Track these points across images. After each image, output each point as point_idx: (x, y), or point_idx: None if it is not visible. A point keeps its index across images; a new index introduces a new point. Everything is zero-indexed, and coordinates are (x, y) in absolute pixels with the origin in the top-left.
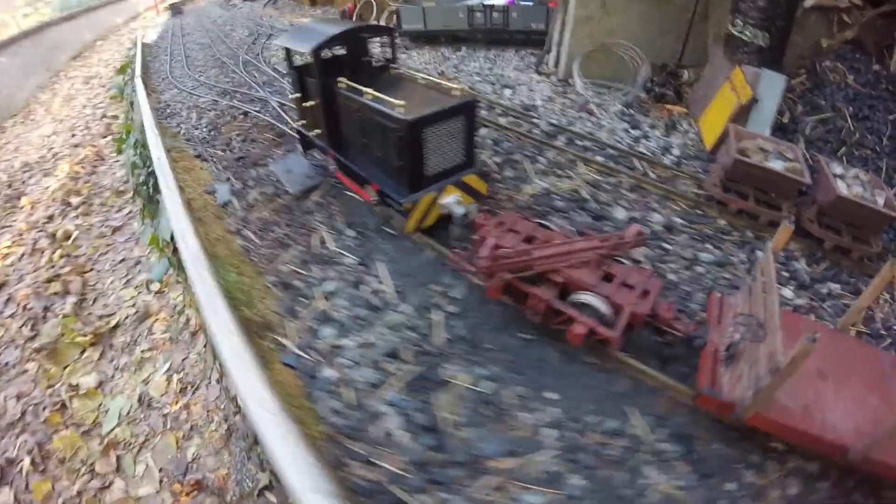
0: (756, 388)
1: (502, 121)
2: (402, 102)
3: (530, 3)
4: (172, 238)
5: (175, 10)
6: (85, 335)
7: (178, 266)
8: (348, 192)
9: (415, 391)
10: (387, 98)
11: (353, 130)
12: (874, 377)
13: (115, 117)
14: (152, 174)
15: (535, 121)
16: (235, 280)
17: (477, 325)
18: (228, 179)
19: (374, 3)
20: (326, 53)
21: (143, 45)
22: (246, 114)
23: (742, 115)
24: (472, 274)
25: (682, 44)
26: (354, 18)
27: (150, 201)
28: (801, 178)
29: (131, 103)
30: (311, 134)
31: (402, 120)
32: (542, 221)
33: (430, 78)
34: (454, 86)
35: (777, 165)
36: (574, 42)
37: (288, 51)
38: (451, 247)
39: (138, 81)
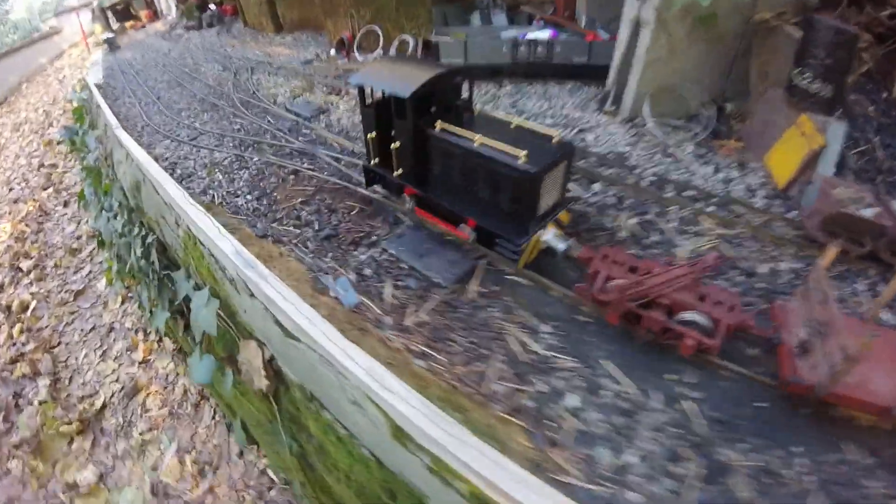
0: (831, 374)
1: (606, 172)
2: (524, 153)
3: (572, 37)
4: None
5: (111, 44)
6: (69, 422)
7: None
8: (447, 237)
9: (711, 484)
10: (502, 147)
11: (449, 172)
12: None
13: (55, 166)
14: (152, 245)
15: (636, 171)
16: (476, 421)
17: (720, 405)
18: (336, 271)
19: (378, 31)
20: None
21: (96, 86)
22: (296, 172)
23: (813, 159)
24: (601, 304)
25: (726, 78)
26: (355, 48)
27: (161, 283)
28: (885, 222)
29: (106, 159)
30: (394, 175)
31: (524, 170)
32: (634, 252)
33: (516, 120)
34: (548, 131)
35: (868, 213)
36: (643, 82)
37: (361, 90)
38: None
39: (120, 132)
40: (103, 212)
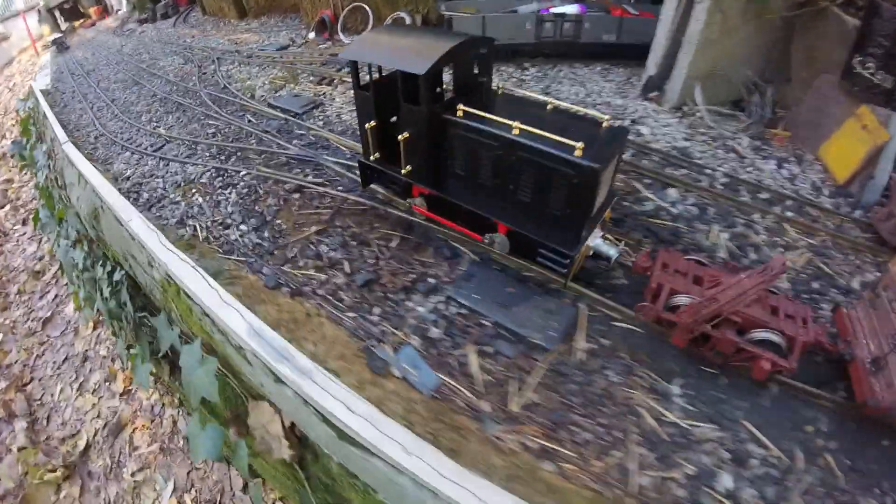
0: None
1: (677, 174)
2: (580, 144)
3: (600, 12)
4: None
5: (59, 45)
6: (53, 469)
7: None
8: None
9: None
10: (552, 136)
11: (475, 168)
12: None
13: (10, 181)
14: (122, 284)
15: (706, 171)
16: None
17: (857, 454)
18: (393, 335)
19: (367, 9)
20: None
21: (42, 92)
22: (300, 190)
23: (876, 154)
24: (667, 324)
25: (767, 61)
26: (339, 29)
27: (137, 327)
28: None
29: (56, 180)
30: (402, 172)
31: (584, 166)
32: (696, 258)
33: (551, 101)
34: (594, 114)
35: None
36: (693, 65)
37: (355, 67)
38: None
39: (69, 149)
40: (60, 239)
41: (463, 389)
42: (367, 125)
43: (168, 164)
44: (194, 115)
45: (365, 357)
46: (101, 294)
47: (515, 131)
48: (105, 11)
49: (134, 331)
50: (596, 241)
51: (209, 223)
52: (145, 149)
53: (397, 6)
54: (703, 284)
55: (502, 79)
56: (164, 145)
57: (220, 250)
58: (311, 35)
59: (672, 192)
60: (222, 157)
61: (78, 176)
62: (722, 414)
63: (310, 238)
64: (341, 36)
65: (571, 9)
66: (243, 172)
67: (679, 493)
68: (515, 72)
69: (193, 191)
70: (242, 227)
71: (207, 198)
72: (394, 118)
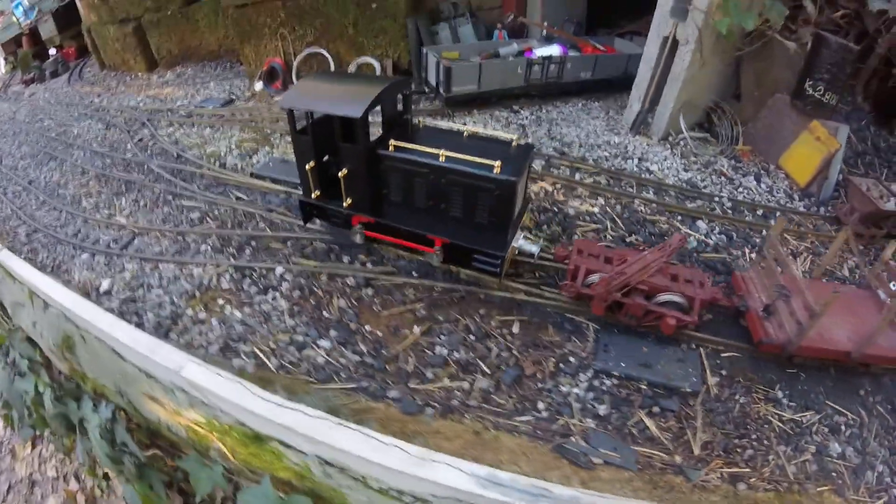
0: (798, 330)
1: (693, 206)
2: (497, 162)
3: (575, 53)
4: None
5: None
6: None
7: None
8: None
9: None
10: (473, 159)
11: (409, 193)
12: (847, 304)
13: None
14: (117, 423)
15: (715, 199)
16: None
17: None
18: (569, 425)
19: (326, 55)
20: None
21: None
22: (370, 283)
23: (829, 160)
24: (587, 298)
25: (723, 85)
26: (293, 78)
27: (141, 470)
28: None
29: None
30: (344, 206)
31: (501, 180)
32: (606, 244)
33: (467, 128)
34: (503, 135)
35: (891, 206)
36: (678, 100)
37: (291, 114)
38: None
39: (6, 257)
40: None
41: (656, 452)
42: (307, 166)
43: (157, 268)
44: (156, 196)
45: (562, 456)
46: (91, 436)
47: (442, 158)
48: None
49: (138, 473)
50: (519, 241)
51: (272, 345)
52: (109, 246)
53: (363, 51)
54: (613, 263)
55: (499, 125)
56: (133, 240)
57: (313, 380)
58: (259, 86)
59: (702, 225)
60: (232, 251)
61: (29, 294)
62: (812, 400)
63: (418, 342)
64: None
65: (555, 50)
66: (279, 270)
67: (812, 468)
68: (510, 116)
69: (220, 301)
70: (323, 343)
71: (246, 309)
72: (326, 157)
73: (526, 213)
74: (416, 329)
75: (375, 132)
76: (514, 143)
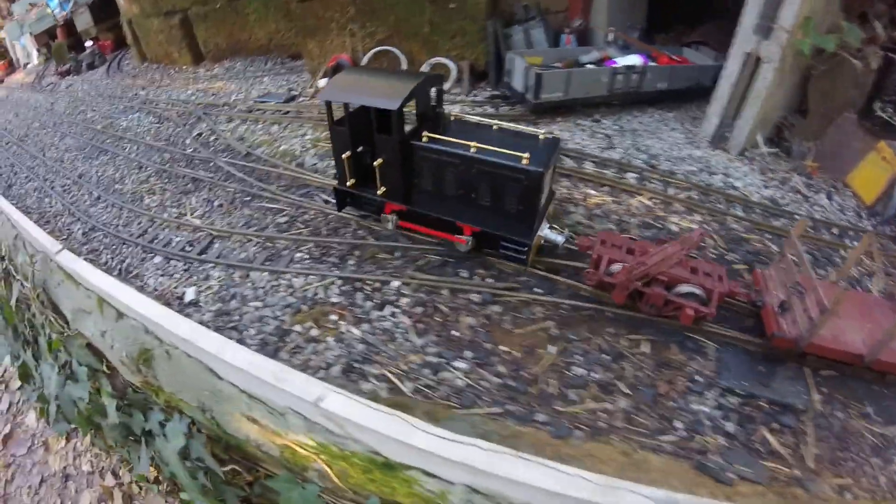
0: (810, 326)
1: (778, 224)
2: (526, 154)
3: (652, 63)
4: None
5: None
6: None
7: None
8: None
9: None
10: (503, 150)
11: (441, 182)
12: (866, 311)
13: None
14: (195, 438)
15: (796, 218)
16: None
17: None
18: (705, 442)
19: (398, 54)
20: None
21: None
22: (497, 299)
23: (893, 180)
24: (609, 286)
25: (792, 101)
26: None
27: (218, 487)
28: None
29: (38, 298)
30: (378, 194)
31: (530, 171)
32: (630, 236)
33: (499, 123)
34: (531, 130)
35: None
36: (757, 116)
37: (329, 106)
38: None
39: (68, 260)
40: (42, 364)
41: (780, 467)
42: (343, 156)
43: (248, 277)
44: (231, 196)
45: (703, 473)
46: (149, 443)
47: (473, 149)
48: (11, 66)
49: (215, 488)
50: (545, 231)
51: (403, 367)
52: (184, 250)
53: (437, 51)
54: (635, 254)
55: (584, 134)
56: (211, 243)
57: (455, 404)
58: (323, 82)
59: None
60: (335, 261)
61: (99, 302)
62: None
63: (556, 365)
64: None
65: (635, 60)
66: (395, 283)
67: None
68: (593, 126)
69: (332, 317)
70: (459, 364)
71: (365, 326)
72: (360, 147)
73: (550, 203)
74: (552, 348)
75: (410, 126)
76: (541, 138)
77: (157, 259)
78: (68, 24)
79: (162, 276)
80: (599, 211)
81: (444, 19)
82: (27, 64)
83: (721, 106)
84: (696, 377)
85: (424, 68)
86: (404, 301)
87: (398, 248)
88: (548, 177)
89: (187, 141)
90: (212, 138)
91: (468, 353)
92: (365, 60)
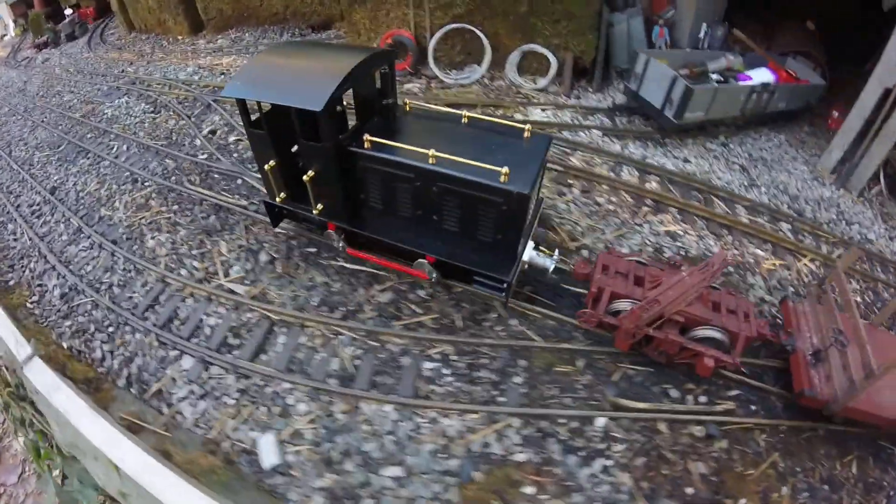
0: (848, 388)
1: None
2: (505, 169)
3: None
4: None
5: None
6: None
7: None
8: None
9: None
10: (471, 162)
11: (392, 200)
12: None
13: None
14: None
15: None
16: None
17: None
18: None
19: (481, 35)
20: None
21: None
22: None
23: None
24: (608, 328)
25: None
26: (430, 60)
27: None
28: None
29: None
30: (314, 212)
31: (511, 192)
32: (637, 258)
33: (469, 113)
34: (514, 123)
35: None
36: (887, 154)
37: (243, 104)
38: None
39: (47, 381)
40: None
41: None
42: (266, 166)
43: (359, 411)
44: (285, 245)
45: None
46: None
47: (431, 160)
48: None
49: None
50: (530, 254)
51: None
52: (229, 347)
53: (533, 37)
54: (644, 285)
55: (721, 165)
56: (270, 334)
57: None
58: None
59: None
60: (494, 378)
61: (114, 468)
62: None
63: None
64: (434, 68)
65: (768, 76)
66: (600, 421)
67: None
68: (724, 151)
69: (527, 489)
70: None
71: (577, 499)
72: (294, 148)
73: (537, 218)
74: (784, 490)
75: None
76: (526, 135)
77: (188, 362)
78: None
79: (202, 397)
80: (776, 281)
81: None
82: (3, 36)
83: (848, 140)
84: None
85: (514, 56)
86: (617, 448)
87: (580, 351)
88: (534, 193)
89: (196, 141)
90: (231, 138)
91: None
92: (433, 41)
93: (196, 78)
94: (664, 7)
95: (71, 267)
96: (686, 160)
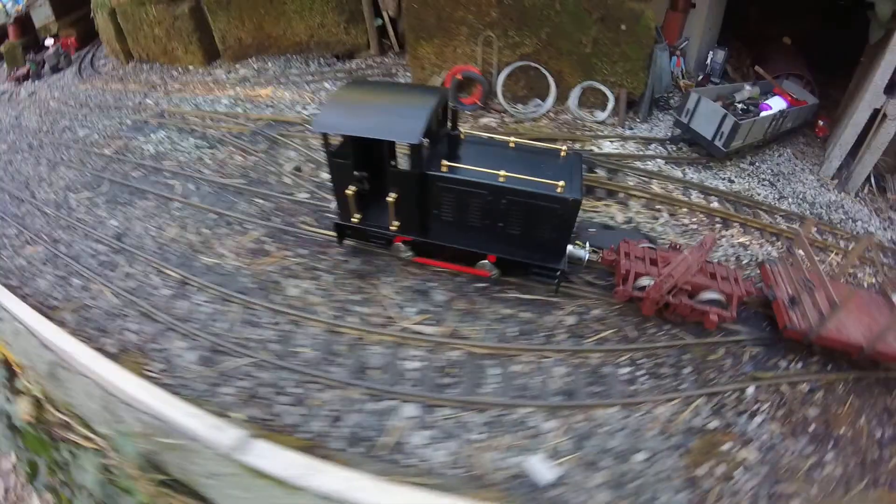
0: (819, 320)
1: None
2: (561, 183)
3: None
4: None
5: None
6: None
7: None
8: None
9: None
10: (534, 179)
11: (464, 212)
12: (865, 307)
13: None
14: None
15: None
16: None
17: None
18: None
19: (544, 71)
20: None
21: None
22: None
23: None
24: (636, 301)
25: None
26: (499, 93)
27: None
28: None
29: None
30: (391, 229)
31: (567, 199)
32: (649, 244)
33: (513, 139)
34: (550, 146)
35: None
36: (879, 162)
37: (326, 138)
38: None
39: None
40: None
41: None
42: (347, 191)
43: (590, 415)
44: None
45: None
46: None
47: (502, 178)
48: None
49: None
50: (569, 248)
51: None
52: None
53: (592, 75)
54: (658, 265)
55: (755, 182)
56: (480, 376)
57: None
58: None
59: None
60: (673, 371)
61: None
62: None
63: None
64: (503, 103)
65: (781, 103)
66: (750, 389)
67: None
68: (755, 170)
69: (724, 447)
70: None
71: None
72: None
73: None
74: (863, 419)
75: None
76: (562, 154)
77: (410, 409)
78: (22, 21)
79: (445, 440)
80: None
81: (611, 41)
82: None
83: (845, 151)
84: None
85: (575, 92)
86: (763, 407)
87: (719, 343)
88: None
89: (286, 179)
90: (323, 175)
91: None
92: (502, 77)
93: (239, 110)
94: (677, 38)
95: (194, 325)
96: (731, 180)
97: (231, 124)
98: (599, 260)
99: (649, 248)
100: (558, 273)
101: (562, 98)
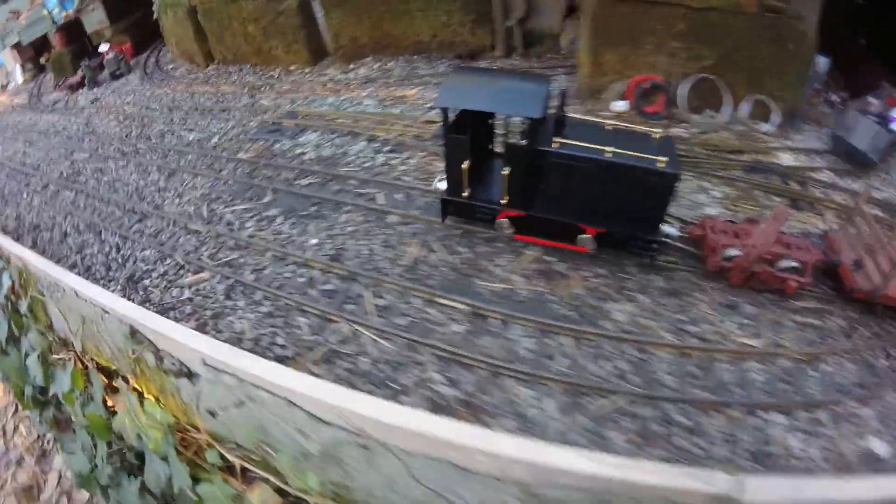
0: (882, 281)
1: None
2: (664, 158)
3: None
4: None
5: None
6: None
7: None
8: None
9: None
10: (638, 154)
11: (569, 187)
12: None
13: None
14: None
15: None
16: None
17: None
18: None
19: (723, 88)
20: None
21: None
22: None
23: None
24: (724, 270)
25: None
26: (685, 104)
27: None
28: None
29: None
30: (502, 203)
31: (667, 173)
32: (730, 220)
33: (606, 122)
34: (644, 129)
35: None
36: None
37: (445, 114)
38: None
39: None
40: None
41: None
42: (463, 166)
43: None
44: None
45: None
46: None
47: (608, 154)
48: None
49: None
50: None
51: None
52: None
53: (762, 88)
54: (740, 237)
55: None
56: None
57: None
58: (621, 105)
59: None
60: None
61: None
62: None
63: None
64: (685, 112)
65: None
66: None
67: None
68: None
69: None
70: None
71: None
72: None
73: None
74: None
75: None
76: (655, 136)
77: None
78: (69, 27)
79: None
80: None
81: (780, 57)
82: (7, 85)
83: None
84: None
85: (744, 106)
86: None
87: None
88: None
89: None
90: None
91: None
92: (683, 90)
93: (396, 111)
94: None
95: (525, 366)
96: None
97: (401, 127)
98: (688, 235)
99: (730, 222)
100: (656, 244)
101: (736, 110)
